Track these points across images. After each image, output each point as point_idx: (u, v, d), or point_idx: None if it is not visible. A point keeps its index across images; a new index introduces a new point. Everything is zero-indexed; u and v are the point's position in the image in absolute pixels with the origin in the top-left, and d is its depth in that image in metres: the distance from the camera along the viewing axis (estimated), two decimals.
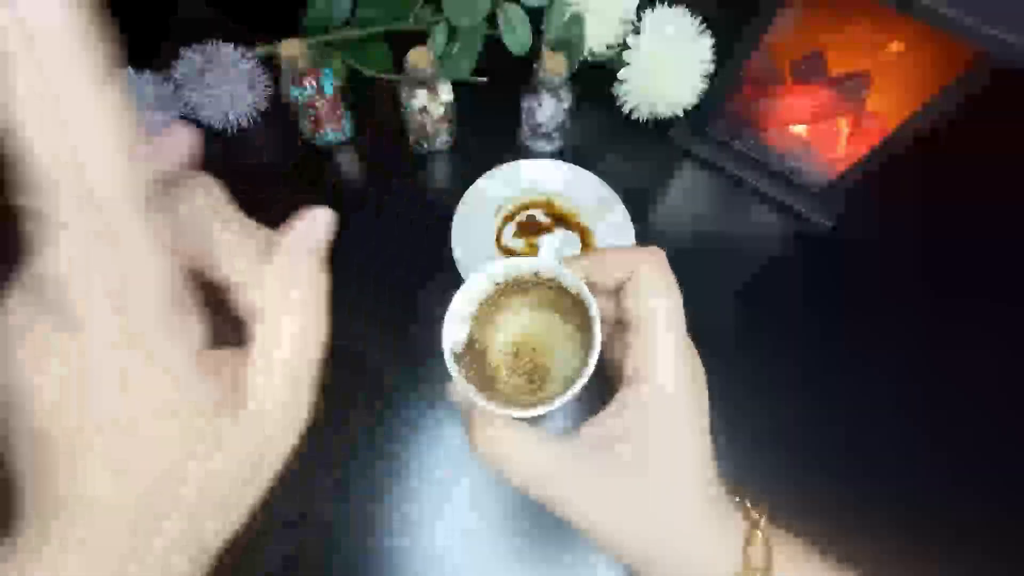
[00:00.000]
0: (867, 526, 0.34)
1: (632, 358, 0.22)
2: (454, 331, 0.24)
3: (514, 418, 0.22)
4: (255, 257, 0.17)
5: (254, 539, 0.37)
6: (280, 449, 0.17)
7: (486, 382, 0.25)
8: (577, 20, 0.49)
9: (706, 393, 0.23)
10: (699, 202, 0.53)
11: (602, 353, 0.23)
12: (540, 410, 0.22)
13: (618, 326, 0.24)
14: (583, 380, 0.22)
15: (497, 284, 0.25)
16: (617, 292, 0.23)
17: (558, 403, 0.22)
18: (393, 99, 0.47)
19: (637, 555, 0.22)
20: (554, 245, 0.47)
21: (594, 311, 0.22)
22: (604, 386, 0.24)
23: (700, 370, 0.23)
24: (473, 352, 0.25)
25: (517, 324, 0.28)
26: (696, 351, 0.23)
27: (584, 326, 0.23)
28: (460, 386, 0.22)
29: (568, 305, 0.25)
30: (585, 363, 0.22)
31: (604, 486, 0.21)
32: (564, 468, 0.21)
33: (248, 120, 0.50)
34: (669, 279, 0.23)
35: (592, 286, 0.23)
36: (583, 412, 0.23)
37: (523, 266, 0.24)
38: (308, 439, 0.38)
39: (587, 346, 0.22)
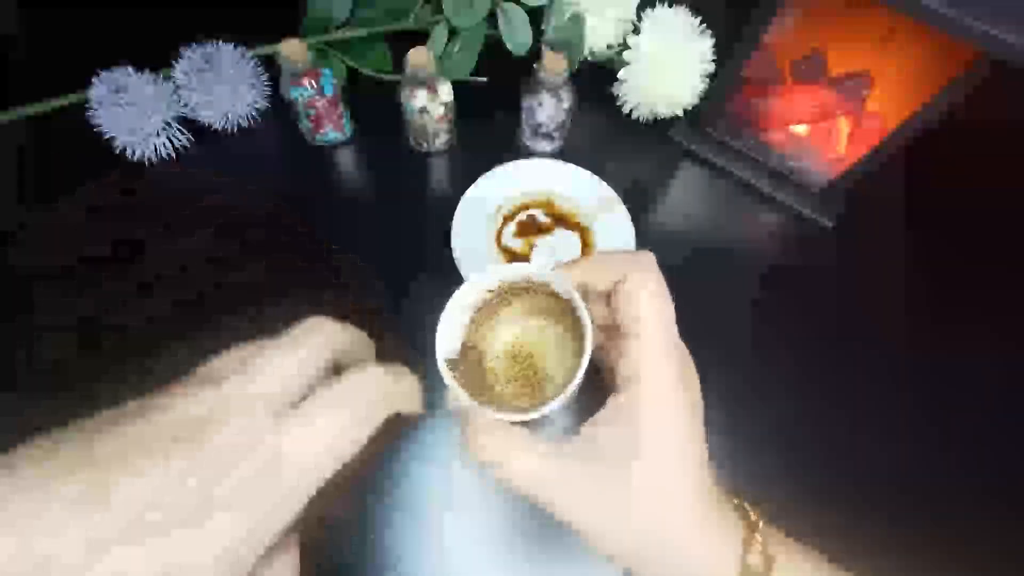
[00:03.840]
0: (866, 527, 0.34)
1: (624, 362, 0.22)
2: (448, 338, 0.24)
3: (509, 423, 0.22)
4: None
5: None
6: None
7: (481, 388, 0.25)
8: (577, 20, 0.49)
9: (699, 396, 0.23)
10: (699, 202, 0.53)
11: (597, 357, 0.23)
12: (534, 415, 0.22)
13: (612, 330, 0.24)
14: (575, 385, 0.22)
15: (490, 291, 0.25)
16: (609, 297, 0.23)
17: (551, 407, 0.22)
18: (393, 99, 0.47)
19: (633, 558, 0.22)
20: (551, 246, 0.47)
21: (584, 317, 0.22)
22: (601, 390, 0.24)
23: (693, 373, 0.23)
24: (468, 358, 0.25)
25: (511, 330, 0.28)
26: (689, 354, 0.23)
27: (576, 331, 0.23)
28: (455, 393, 0.22)
29: (561, 311, 0.25)
30: (577, 368, 0.22)
31: (598, 489, 0.21)
32: (559, 471, 0.22)
33: (248, 120, 0.50)
34: (660, 283, 0.23)
35: (585, 291, 0.23)
36: (580, 416, 0.24)
37: (515, 272, 0.24)
38: None
39: (580, 351, 0.22)
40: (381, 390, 0.18)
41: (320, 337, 0.19)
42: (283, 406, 0.17)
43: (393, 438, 0.38)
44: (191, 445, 0.15)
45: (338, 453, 0.17)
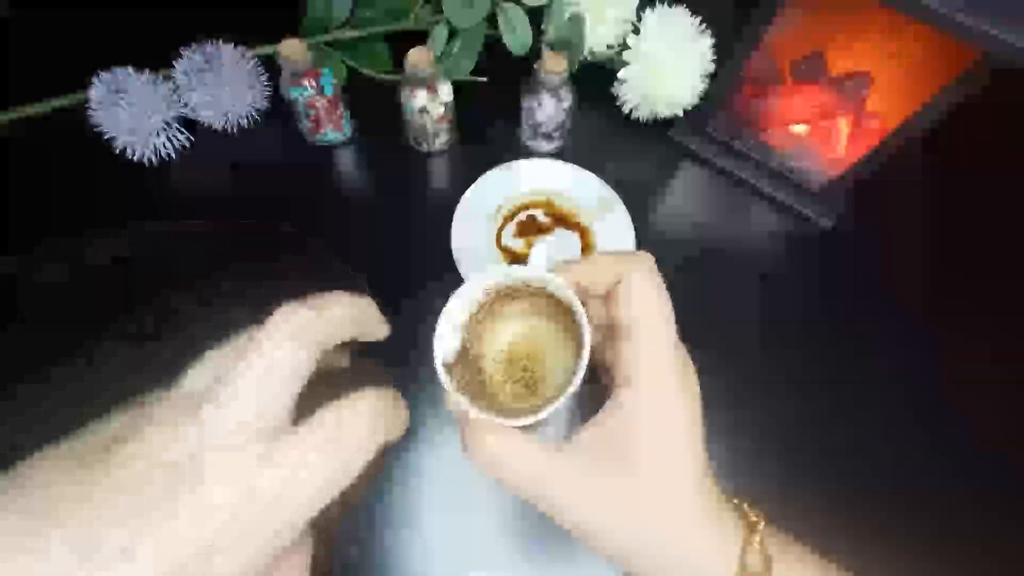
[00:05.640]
0: (867, 527, 0.34)
1: (623, 363, 0.22)
2: (446, 341, 0.24)
3: (507, 427, 0.22)
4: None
5: None
6: None
7: (480, 390, 0.25)
8: (577, 20, 0.49)
9: (699, 397, 0.23)
10: (699, 202, 0.53)
11: (596, 358, 0.23)
12: (533, 417, 0.22)
13: (611, 331, 0.24)
14: (573, 386, 0.22)
15: (488, 293, 0.25)
16: (608, 297, 0.23)
17: (550, 409, 0.22)
18: (393, 99, 0.47)
19: (632, 558, 0.22)
20: (550, 247, 0.47)
21: (582, 318, 0.22)
22: (600, 391, 0.24)
23: (692, 374, 0.23)
24: (466, 361, 0.25)
25: (510, 332, 0.27)
26: (688, 354, 0.23)
27: (575, 333, 0.23)
28: (452, 396, 0.22)
29: (559, 312, 0.25)
30: (575, 369, 0.22)
31: (597, 489, 0.21)
32: (559, 472, 0.21)
33: (248, 120, 0.50)
34: (658, 284, 0.23)
35: (584, 292, 0.23)
36: (579, 417, 0.23)
37: (512, 274, 0.24)
38: None
39: (578, 352, 0.22)
40: (373, 426, 0.17)
41: (294, 337, 0.17)
42: (267, 431, 0.16)
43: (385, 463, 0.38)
44: (171, 501, 0.15)
45: (325, 495, 0.16)
